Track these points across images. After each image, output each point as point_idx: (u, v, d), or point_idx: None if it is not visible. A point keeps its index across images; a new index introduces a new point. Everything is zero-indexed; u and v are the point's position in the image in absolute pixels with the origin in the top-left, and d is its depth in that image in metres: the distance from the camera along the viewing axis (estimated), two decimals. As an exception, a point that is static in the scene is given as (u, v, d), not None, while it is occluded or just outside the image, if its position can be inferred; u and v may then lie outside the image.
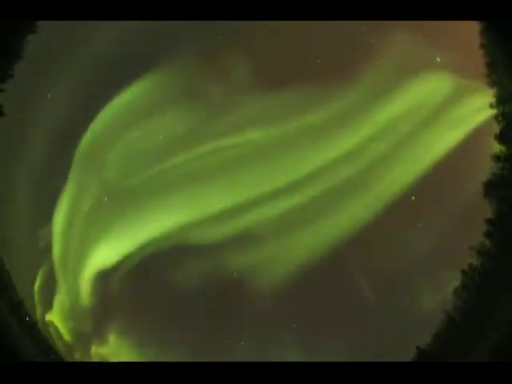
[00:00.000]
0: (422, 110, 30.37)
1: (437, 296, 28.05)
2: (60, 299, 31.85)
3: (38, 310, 30.60)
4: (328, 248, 30.85)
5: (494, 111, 22.06)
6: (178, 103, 30.96)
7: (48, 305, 31.43)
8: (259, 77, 29.93)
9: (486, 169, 22.03)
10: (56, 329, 31.29)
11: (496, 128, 21.99)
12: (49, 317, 31.27)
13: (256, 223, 31.53)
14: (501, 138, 21.70)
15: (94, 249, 31.98)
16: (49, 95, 30.33)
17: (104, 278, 31.87)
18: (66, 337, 31.36)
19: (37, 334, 27.47)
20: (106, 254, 31.89)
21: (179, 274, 32.05)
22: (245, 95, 30.23)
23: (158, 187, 31.66)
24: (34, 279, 31.20)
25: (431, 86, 29.77)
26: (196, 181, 31.25)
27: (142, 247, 31.45)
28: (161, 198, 31.62)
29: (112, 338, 31.72)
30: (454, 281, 23.87)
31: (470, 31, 21.92)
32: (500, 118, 21.76)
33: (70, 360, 29.33)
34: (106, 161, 31.81)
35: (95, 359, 31.04)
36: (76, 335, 31.55)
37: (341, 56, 29.91)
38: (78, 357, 30.85)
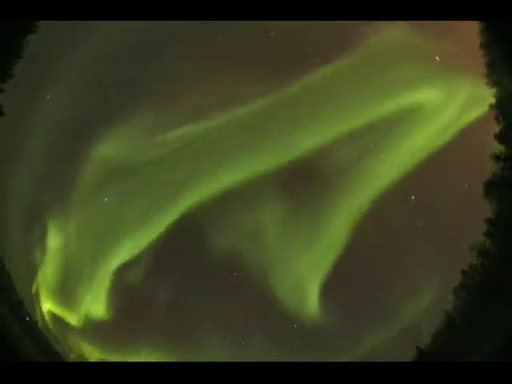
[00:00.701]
0: (420, 110, 30.42)
1: (437, 296, 28.09)
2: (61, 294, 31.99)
3: (38, 310, 30.64)
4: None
5: (493, 111, 22.07)
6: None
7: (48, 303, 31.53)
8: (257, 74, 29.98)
9: (485, 169, 22.04)
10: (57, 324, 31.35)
11: (496, 128, 22.00)
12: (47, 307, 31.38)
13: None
14: (501, 137, 21.70)
15: (97, 247, 32.16)
16: (48, 96, 30.34)
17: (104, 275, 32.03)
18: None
19: (37, 334, 27.47)
20: (108, 253, 32.07)
21: (178, 274, 32.27)
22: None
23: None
24: (34, 279, 31.25)
25: (430, 86, 29.79)
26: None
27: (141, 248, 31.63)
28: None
29: (112, 337, 31.79)
30: (454, 281, 23.90)
31: (470, 31, 21.93)
32: (500, 117, 21.76)
33: (69, 360, 29.36)
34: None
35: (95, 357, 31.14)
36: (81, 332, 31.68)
37: (340, 55, 29.94)
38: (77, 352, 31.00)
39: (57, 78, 30.01)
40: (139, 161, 31.98)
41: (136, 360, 30.74)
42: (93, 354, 31.34)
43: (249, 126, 31.23)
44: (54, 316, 31.40)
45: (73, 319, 31.81)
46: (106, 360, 30.88)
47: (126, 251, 31.87)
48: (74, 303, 32.04)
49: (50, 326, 30.89)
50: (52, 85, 30.14)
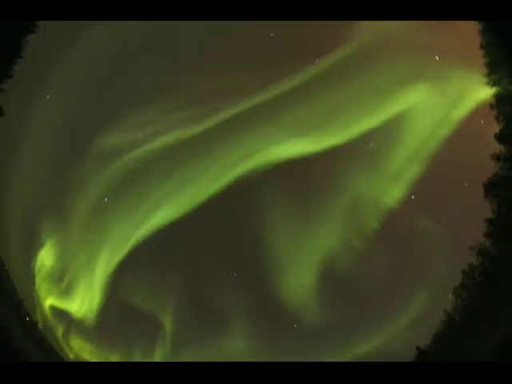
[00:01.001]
0: (419, 109, 30.44)
1: (437, 296, 28.08)
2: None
3: (38, 310, 30.66)
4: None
5: (493, 111, 22.07)
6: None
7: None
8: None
9: (485, 169, 22.04)
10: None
11: (496, 128, 22.01)
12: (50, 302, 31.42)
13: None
14: (501, 137, 21.72)
15: (97, 245, 32.24)
16: (48, 96, 30.36)
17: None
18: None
19: (37, 333, 27.46)
20: (107, 251, 32.14)
21: (178, 274, 32.29)
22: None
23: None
24: (34, 279, 31.25)
25: (430, 86, 29.79)
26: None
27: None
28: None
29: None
30: (454, 281, 23.91)
31: (470, 31, 21.94)
32: (500, 117, 21.78)
33: (69, 360, 29.40)
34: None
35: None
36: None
37: (338, 55, 29.94)
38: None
39: (57, 78, 30.04)
40: (139, 160, 32.03)
41: (135, 360, 30.79)
42: (93, 352, 31.41)
43: (246, 124, 31.25)
44: (54, 315, 31.43)
45: (73, 317, 31.89)
46: (106, 359, 30.94)
47: (125, 249, 31.91)
48: (73, 301, 32.11)
49: (50, 324, 30.95)
50: (52, 85, 30.17)
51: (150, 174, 32.28)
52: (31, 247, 31.32)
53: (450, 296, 23.97)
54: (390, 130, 30.55)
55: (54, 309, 31.62)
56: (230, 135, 31.46)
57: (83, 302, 32.08)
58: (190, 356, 30.64)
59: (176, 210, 31.70)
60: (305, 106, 31.04)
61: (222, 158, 31.75)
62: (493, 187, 21.72)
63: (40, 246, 31.44)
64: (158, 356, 31.16)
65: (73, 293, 32.22)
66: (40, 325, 29.06)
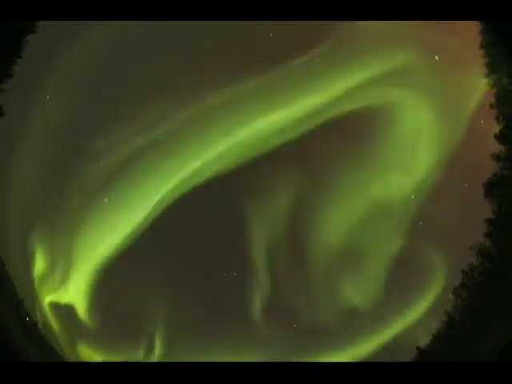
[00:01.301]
0: (421, 110, 30.44)
1: (437, 296, 28.10)
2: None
3: (38, 310, 30.64)
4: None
5: (493, 111, 22.09)
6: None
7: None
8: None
9: (486, 169, 22.05)
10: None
11: (496, 128, 22.02)
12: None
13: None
14: (501, 137, 21.73)
15: (96, 245, 32.25)
16: (48, 96, 30.36)
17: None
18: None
19: (37, 333, 27.46)
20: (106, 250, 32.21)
21: (177, 273, 32.29)
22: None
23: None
24: (34, 279, 31.23)
25: (429, 86, 29.81)
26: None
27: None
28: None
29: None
30: (454, 281, 23.93)
31: (470, 31, 21.96)
32: (500, 117, 21.79)
33: (69, 360, 29.38)
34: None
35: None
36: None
37: (337, 54, 29.94)
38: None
39: (57, 78, 30.04)
40: (139, 160, 32.02)
41: (135, 360, 30.80)
42: (92, 352, 31.42)
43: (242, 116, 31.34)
44: (54, 314, 31.45)
45: (72, 317, 31.90)
46: (105, 359, 30.94)
47: (123, 247, 31.86)
48: (72, 301, 32.13)
49: (50, 324, 30.94)
50: (52, 85, 30.17)
51: (150, 173, 32.32)
52: (31, 247, 31.35)
53: (450, 296, 24.01)
54: (389, 130, 30.60)
55: (53, 308, 31.64)
56: (227, 128, 31.49)
57: (82, 302, 32.09)
58: (189, 356, 30.63)
59: (173, 207, 31.76)
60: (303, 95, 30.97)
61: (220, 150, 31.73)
62: (493, 187, 21.73)
63: (40, 245, 31.46)
64: (158, 355, 31.23)
65: (72, 292, 32.26)
66: (40, 325, 29.07)
